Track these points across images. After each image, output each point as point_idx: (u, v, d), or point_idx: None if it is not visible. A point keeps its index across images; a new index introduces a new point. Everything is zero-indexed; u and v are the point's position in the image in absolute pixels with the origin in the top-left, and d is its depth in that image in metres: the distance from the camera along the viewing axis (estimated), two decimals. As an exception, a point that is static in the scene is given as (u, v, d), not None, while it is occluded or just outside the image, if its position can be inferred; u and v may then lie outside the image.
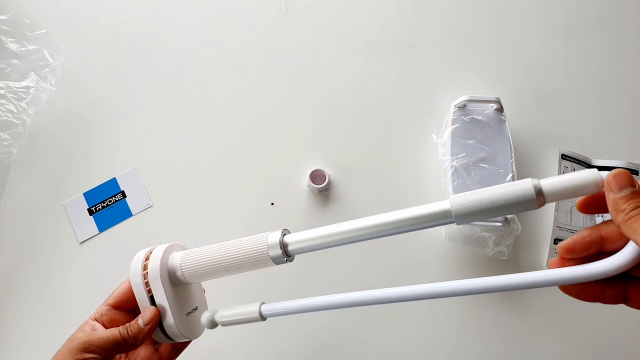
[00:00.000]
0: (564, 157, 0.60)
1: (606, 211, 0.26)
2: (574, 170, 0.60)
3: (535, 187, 0.27)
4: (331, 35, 0.70)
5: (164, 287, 0.38)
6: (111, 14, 0.71)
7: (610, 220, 0.27)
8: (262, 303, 0.37)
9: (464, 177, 0.55)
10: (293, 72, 0.68)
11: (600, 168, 0.61)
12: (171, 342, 0.41)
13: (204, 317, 0.38)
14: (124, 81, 0.68)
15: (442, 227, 0.54)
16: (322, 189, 0.59)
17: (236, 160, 0.63)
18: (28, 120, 0.62)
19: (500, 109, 0.58)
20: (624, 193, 0.25)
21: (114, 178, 0.62)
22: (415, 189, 0.61)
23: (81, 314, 0.40)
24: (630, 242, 0.25)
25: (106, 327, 0.39)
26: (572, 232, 0.57)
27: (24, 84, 0.62)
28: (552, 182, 0.27)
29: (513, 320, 0.55)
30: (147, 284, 0.39)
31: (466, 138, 0.57)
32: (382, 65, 0.68)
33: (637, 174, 0.60)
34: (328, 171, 0.60)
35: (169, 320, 0.39)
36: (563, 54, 0.68)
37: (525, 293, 0.56)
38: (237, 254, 0.37)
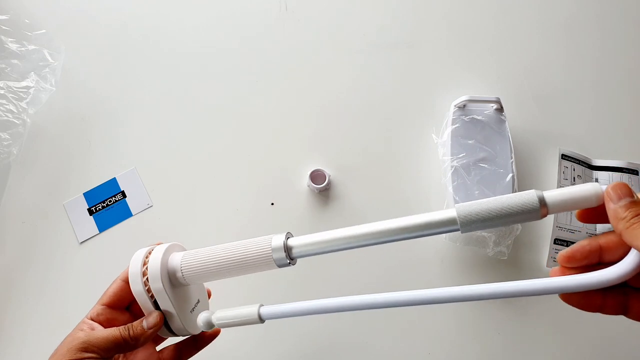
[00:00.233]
0: (564, 157, 0.60)
1: (604, 221, 0.28)
2: (574, 170, 0.60)
3: (539, 198, 0.28)
4: (331, 35, 0.70)
5: (165, 289, 0.38)
6: (111, 14, 0.71)
7: (609, 231, 0.28)
8: (261, 305, 0.36)
9: (464, 177, 0.55)
10: (293, 72, 0.68)
11: (600, 168, 0.61)
12: (175, 336, 0.41)
13: (201, 319, 0.38)
14: (124, 81, 0.68)
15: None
16: (322, 189, 0.59)
17: (236, 160, 0.63)
18: (28, 120, 0.61)
19: (500, 109, 0.58)
20: (623, 202, 0.26)
21: (114, 178, 0.62)
22: (415, 189, 0.61)
23: (81, 314, 0.40)
24: (632, 250, 0.26)
25: (105, 327, 0.38)
26: (572, 232, 0.57)
27: (24, 84, 0.62)
28: (555, 194, 0.28)
29: (513, 320, 0.55)
30: (146, 284, 0.39)
31: (466, 138, 0.57)
32: (382, 65, 0.68)
33: (637, 174, 0.60)
34: (328, 171, 0.60)
35: (176, 322, 0.39)
36: (563, 54, 0.68)
37: (525, 293, 0.56)
38: (239, 255, 0.37)
